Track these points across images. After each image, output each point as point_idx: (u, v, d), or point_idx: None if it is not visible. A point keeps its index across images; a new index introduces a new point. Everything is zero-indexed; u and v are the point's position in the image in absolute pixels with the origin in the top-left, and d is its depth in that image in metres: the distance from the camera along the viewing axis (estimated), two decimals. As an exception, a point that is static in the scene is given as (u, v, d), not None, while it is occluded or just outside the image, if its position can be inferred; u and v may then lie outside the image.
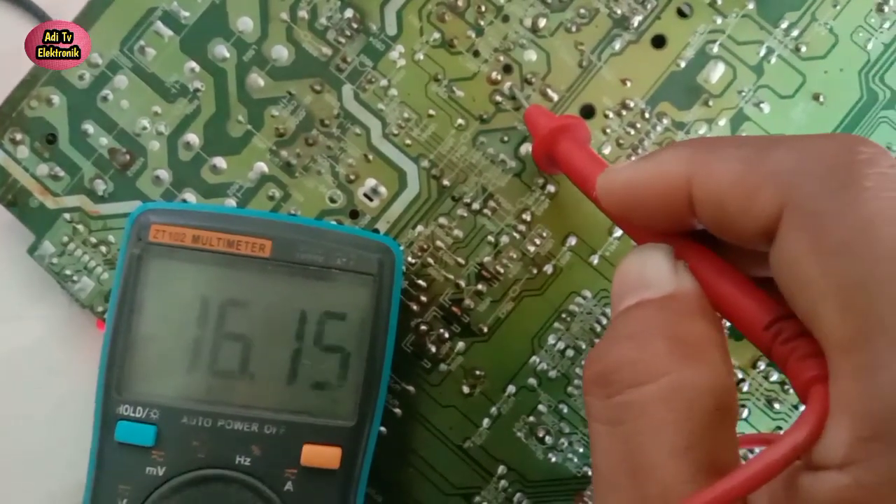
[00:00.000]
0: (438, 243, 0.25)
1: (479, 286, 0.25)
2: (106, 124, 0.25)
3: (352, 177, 0.25)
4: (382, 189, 0.25)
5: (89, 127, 0.25)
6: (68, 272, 0.25)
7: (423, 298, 0.25)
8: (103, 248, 0.25)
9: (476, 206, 0.25)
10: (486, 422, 0.24)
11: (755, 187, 0.13)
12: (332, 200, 0.25)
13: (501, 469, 0.24)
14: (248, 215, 0.22)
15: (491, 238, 0.25)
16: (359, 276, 0.22)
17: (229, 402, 0.21)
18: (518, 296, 0.24)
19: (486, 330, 0.24)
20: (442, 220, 0.25)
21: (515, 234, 0.25)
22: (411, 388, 0.24)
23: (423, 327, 0.24)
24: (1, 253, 0.26)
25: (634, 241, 0.18)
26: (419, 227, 0.25)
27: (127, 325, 0.21)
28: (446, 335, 0.24)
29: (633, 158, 0.18)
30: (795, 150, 0.13)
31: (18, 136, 0.25)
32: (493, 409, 0.24)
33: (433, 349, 0.24)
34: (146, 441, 0.20)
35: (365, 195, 0.25)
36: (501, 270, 0.25)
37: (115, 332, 0.21)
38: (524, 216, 0.25)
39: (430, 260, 0.25)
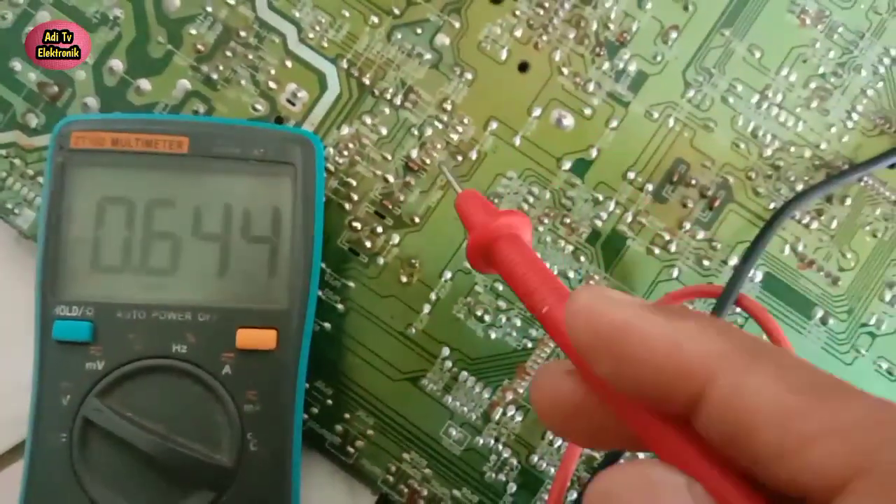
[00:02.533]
0: (364, 141, 0.25)
1: (408, 178, 0.25)
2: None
3: (272, 84, 0.25)
4: (303, 93, 0.25)
5: (17, 64, 0.26)
6: (9, 206, 0.25)
7: (354, 196, 0.25)
8: (41, 180, 0.25)
9: (397, 100, 0.25)
10: (426, 307, 0.25)
11: (811, 436, 0.11)
12: (256, 109, 0.25)
13: (445, 350, 0.25)
14: (164, 118, 0.22)
15: (415, 131, 0.25)
16: (279, 165, 0.22)
17: (163, 297, 0.21)
18: (446, 184, 0.25)
19: (417, 220, 0.25)
20: (365, 118, 0.25)
21: (438, 124, 0.25)
22: (351, 284, 0.25)
23: (357, 224, 0.25)
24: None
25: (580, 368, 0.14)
26: (344, 127, 0.25)
27: (56, 232, 0.21)
28: (380, 229, 0.25)
29: (630, 295, 0.14)
30: (874, 413, 0.11)
31: (-52, 80, 0.26)
32: (432, 295, 0.25)
33: (368, 244, 0.25)
34: (83, 336, 0.21)
35: (287, 100, 0.25)
36: (428, 161, 0.25)
37: (46, 238, 0.21)
38: (445, 105, 0.25)
39: (358, 158, 0.25)
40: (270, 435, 0.21)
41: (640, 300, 0.14)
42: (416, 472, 0.24)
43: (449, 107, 0.25)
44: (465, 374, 0.25)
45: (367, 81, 0.25)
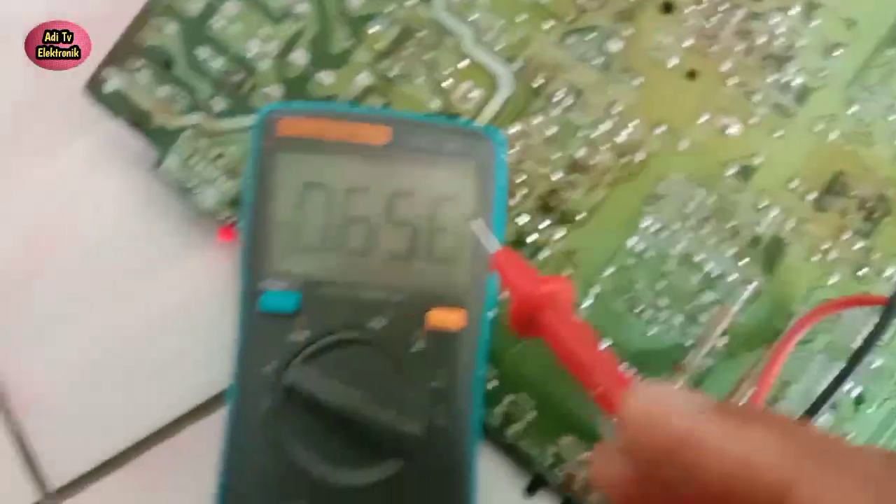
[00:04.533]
0: (532, 140, 0.26)
1: (574, 177, 0.26)
2: (218, 48, 0.27)
3: (447, 83, 0.27)
4: (476, 92, 0.27)
5: (203, 51, 0.27)
6: (192, 184, 0.27)
7: (521, 191, 0.26)
8: (223, 161, 0.27)
9: (566, 102, 0.26)
10: (587, 301, 0.26)
11: None
12: (430, 106, 0.27)
13: (605, 342, 0.26)
14: (365, 110, 0.24)
15: (582, 132, 0.26)
16: (468, 160, 0.23)
17: (361, 277, 0.23)
18: (611, 183, 0.26)
19: (582, 217, 0.26)
20: (534, 118, 0.26)
21: (605, 127, 0.26)
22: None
23: (523, 218, 0.26)
24: (124, 174, 0.29)
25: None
26: (514, 126, 0.26)
27: (262, 212, 0.23)
28: (544, 224, 0.26)
29: (689, 394, 0.15)
30: None
31: (138, 64, 0.27)
32: (593, 290, 0.26)
33: (533, 237, 0.26)
34: (289, 308, 0.22)
35: (461, 98, 0.27)
36: (594, 161, 0.26)
37: (252, 218, 0.23)
38: (613, 109, 0.26)
39: (525, 156, 0.26)
40: (456, 411, 0.22)
41: (700, 401, 0.14)
42: (573, 457, 0.26)
43: (616, 110, 0.26)
44: (623, 365, 0.26)
45: (537, 83, 0.26)
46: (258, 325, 0.22)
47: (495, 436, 0.26)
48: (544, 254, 0.26)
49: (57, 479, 0.26)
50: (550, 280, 0.19)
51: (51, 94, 0.29)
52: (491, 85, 0.27)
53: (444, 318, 0.22)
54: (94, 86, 0.27)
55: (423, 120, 0.24)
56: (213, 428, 0.26)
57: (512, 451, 0.26)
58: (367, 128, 0.23)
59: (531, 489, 0.26)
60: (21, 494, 0.26)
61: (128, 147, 0.28)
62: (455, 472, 0.22)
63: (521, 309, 0.19)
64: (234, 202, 0.27)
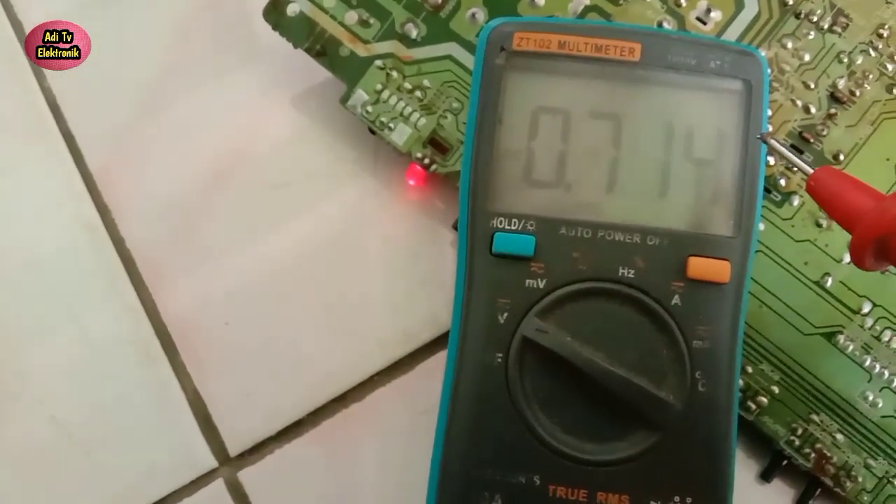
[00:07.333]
0: (784, 66, 0.23)
1: (833, 110, 0.22)
2: (415, -35, 0.24)
3: (682, 0, 0.23)
4: (717, 12, 0.23)
5: (396, -29, 0.24)
6: (384, 119, 0.24)
7: (770, 126, 0.22)
8: (419, 94, 0.24)
9: (824, 23, 0.22)
10: (846, 256, 0.22)
11: None
12: (662, 27, 0.23)
13: (866, 306, 0.22)
14: (612, 24, 0.20)
15: (844, 58, 0.22)
16: (732, 81, 0.20)
17: (607, 217, 0.19)
18: (877, 119, 0.22)
19: (842, 157, 0.22)
20: (786, 41, 0.23)
21: (871, 53, 0.22)
22: (761, 225, 0.22)
23: (771, 158, 0.22)
24: (311, 108, 0.26)
25: None
26: (761, 51, 0.23)
27: (489, 140, 0.20)
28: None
29: None
30: None
31: (325, -15, 0.24)
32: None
33: (783, 181, 0.22)
34: (525, 251, 0.19)
35: (698, 19, 0.23)
36: (857, 92, 0.22)
37: (476, 147, 0.20)
38: (881, 31, 0.22)
39: (776, 84, 0.23)
40: (718, 377, 0.19)
41: None
42: (825, 436, 0.22)
43: (885, 33, 0.22)
44: (888, 333, 0.22)
45: (789, 1, 0.22)
46: (490, 268, 0.19)
47: (735, 409, 0.22)
48: (796, 201, 0.22)
49: (237, 445, 0.24)
50: None
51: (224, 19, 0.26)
52: (733, 3, 0.23)
53: (709, 268, 0.19)
54: (274, 8, 0.25)
55: (679, 34, 0.20)
56: (406, 389, 0.23)
57: (748, 429, 0.22)
58: (617, 42, 0.19)
59: (768, 472, 0.23)
60: (199, 460, 0.24)
61: (310, 78, 0.26)
62: (716, 450, 0.19)
63: (869, 234, 0.15)
64: (430, 142, 0.24)
